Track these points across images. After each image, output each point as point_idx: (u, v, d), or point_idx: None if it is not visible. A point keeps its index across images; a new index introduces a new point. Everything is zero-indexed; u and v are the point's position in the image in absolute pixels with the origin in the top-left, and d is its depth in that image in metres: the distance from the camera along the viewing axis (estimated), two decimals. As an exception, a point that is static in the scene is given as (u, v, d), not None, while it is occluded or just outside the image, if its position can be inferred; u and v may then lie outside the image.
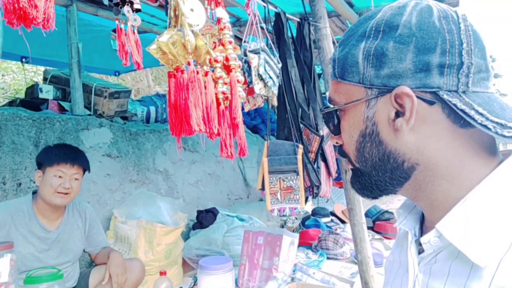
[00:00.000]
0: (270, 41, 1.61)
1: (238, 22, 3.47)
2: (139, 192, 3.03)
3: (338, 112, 0.61)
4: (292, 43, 1.86)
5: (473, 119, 0.50)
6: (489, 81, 0.54)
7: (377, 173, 0.58)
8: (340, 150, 0.65)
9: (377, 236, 3.63)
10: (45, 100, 3.08)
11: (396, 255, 0.68)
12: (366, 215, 4.09)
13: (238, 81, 1.21)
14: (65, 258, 2.07)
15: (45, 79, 3.40)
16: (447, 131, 0.53)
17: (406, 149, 0.54)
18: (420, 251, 0.59)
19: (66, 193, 1.90)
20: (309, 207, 4.21)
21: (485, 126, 0.49)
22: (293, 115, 1.73)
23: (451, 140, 0.53)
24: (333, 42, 2.14)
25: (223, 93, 1.20)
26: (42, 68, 4.68)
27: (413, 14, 0.53)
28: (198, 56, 1.10)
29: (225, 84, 1.21)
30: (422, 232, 0.62)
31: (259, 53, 1.44)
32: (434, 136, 0.53)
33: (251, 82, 1.43)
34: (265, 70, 1.43)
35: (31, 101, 3.05)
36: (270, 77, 1.45)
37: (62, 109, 3.12)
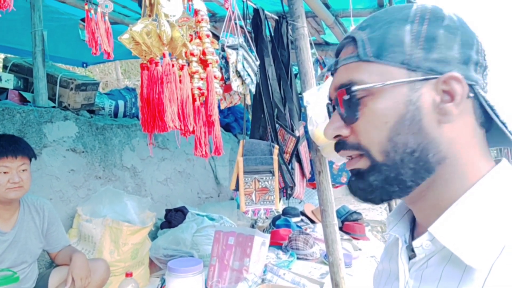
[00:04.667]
0: (248, 38, 1.57)
1: (213, 18, 3.40)
2: (105, 189, 2.91)
3: (363, 95, 0.54)
4: (269, 42, 1.82)
5: (498, 116, 0.52)
6: None
7: (404, 166, 0.53)
8: (342, 144, 0.58)
9: (345, 236, 3.67)
10: (5, 90, 2.89)
11: (386, 264, 0.67)
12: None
13: (215, 76, 1.15)
14: (23, 259, 1.95)
15: (5, 67, 3.19)
16: (471, 127, 0.53)
17: (442, 140, 0.52)
18: (411, 258, 0.58)
19: (19, 186, 1.78)
20: (279, 207, 4.20)
21: (504, 123, 0.51)
22: (269, 115, 1.69)
23: (472, 137, 0.53)
24: (310, 43, 2.12)
25: (199, 88, 1.14)
26: (2, 56, 4.41)
27: (451, 13, 0.54)
28: (173, 49, 1.04)
29: (201, 79, 1.15)
30: (413, 238, 0.61)
31: (237, 49, 1.39)
32: (463, 130, 0.53)
33: (228, 78, 1.38)
34: (243, 67, 1.38)
35: (-12, 90, 2.85)
36: (248, 75, 1.41)
37: (23, 100, 2.94)
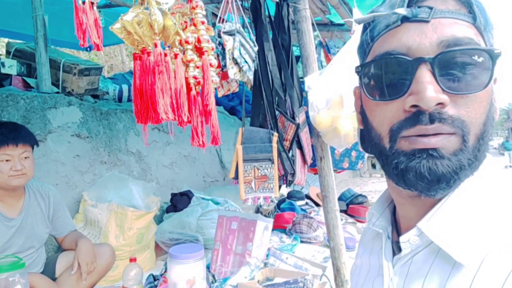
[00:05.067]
0: (246, 22, 1.53)
1: (210, 1, 3.33)
2: (110, 174, 2.93)
3: (479, 62, 0.47)
4: (269, 25, 1.78)
5: None
6: None
7: (478, 155, 0.49)
8: (438, 116, 0.47)
9: (350, 219, 3.68)
10: (8, 76, 2.89)
11: (365, 259, 0.65)
12: (340, 198, 4.13)
13: (211, 64, 1.13)
14: (30, 244, 1.99)
15: (8, 53, 3.19)
16: None
17: None
18: (395, 253, 0.56)
19: (22, 174, 1.80)
20: (284, 190, 4.22)
21: None
22: (268, 102, 1.67)
23: None
24: (312, 24, 2.07)
25: (195, 77, 1.12)
26: (6, 41, 4.40)
27: None
28: (166, 37, 1.02)
29: (197, 67, 1.13)
30: (398, 233, 0.59)
31: (234, 35, 1.36)
32: None
33: (225, 66, 1.35)
34: (240, 53, 1.35)
35: (-8, 76, 2.86)
36: (246, 61, 1.38)
37: (27, 86, 2.95)
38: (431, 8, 0.49)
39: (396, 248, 0.57)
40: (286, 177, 1.69)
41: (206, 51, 1.12)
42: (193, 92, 1.12)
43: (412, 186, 0.49)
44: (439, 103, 0.46)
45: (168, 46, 1.06)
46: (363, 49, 0.57)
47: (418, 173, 0.48)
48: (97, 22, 0.87)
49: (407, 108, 0.48)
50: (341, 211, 1.97)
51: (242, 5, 1.59)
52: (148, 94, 0.97)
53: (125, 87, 3.85)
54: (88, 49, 5.20)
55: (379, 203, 0.63)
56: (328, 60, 2.36)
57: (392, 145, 0.50)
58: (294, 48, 2.18)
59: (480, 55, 0.46)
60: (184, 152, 4.01)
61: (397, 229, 0.60)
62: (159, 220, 3.28)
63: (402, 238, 0.52)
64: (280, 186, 1.75)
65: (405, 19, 0.50)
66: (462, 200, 0.50)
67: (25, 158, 1.82)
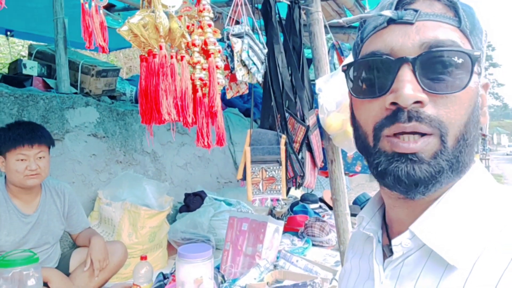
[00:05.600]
0: (256, 24, 1.53)
1: (230, 2, 3.35)
2: (124, 173, 2.99)
3: (459, 63, 0.47)
4: (280, 27, 1.78)
5: None
6: None
7: (460, 157, 0.49)
8: (416, 115, 0.47)
9: (364, 224, 3.63)
10: (29, 77, 2.98)
11: (355, 263, 0.64)
12: (355, 202, 4.09)
13: (217, 67, 1.14)
14: (46, 240, 2.04)
15: (30, 55, 3.30)
16: None
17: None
18: (385, 257, 0.57)
19: (37, 174, 1.84)
20: (298, 193, 4.20)
21: None
22: (278, 103, 1.67)
23: None
24: (325, 27, 2.06)
25: (201, 79, 1.13)
26: (28, 43, 4.54)
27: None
28: (172, 40, 1.03)
29: (204, 69, 1.15)
30: (389, 237, 0.59)
31: (242, 37, 1.37)
32: None
33: (233, 68, 1.37)
34: (248, 55, 1.36)
35: (14, 77, 2.95)
36: (254, 63, 1.38)
37: (47, 87, 3.04)
38: (416, 11, 0.49)
39: (387, 251, 0.57)
40: (296, 179, 1.68)
41: (212, 53, 1.14)
42: (199, 93, 1.13)
43: (391, 188, 0.50)
44: (417, 102, 0.47)
45: (175, 49, 1.08)
46: (355, 50, 0.59)
47: (396, 177, 0.48)
48: (103, 25, 0.89)
49: (387, 106, 0.49)
50: (352, 215, 1.95)
51: (253, 8, 1.60)
52: (152, 95, 0.99)
53: (142, 88, 3.91)
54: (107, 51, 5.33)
55: (369, 207, 0.63)
56: (341, 62, 2.34)
57: (376, 143, 0.51)
58: (306, 51, 2.17)
59: (459, 56, 0.47)
60: (199, 153, 4.05)
61: (387, 233, 0.60)
62: (172, 219, 3.32)
63: (394, 241, 0.53)
64: (289, 188, 1.74)
65: (391, 21, 0.51)
66: (453, 202, 0.50)
67: (40, 158, 1.87)
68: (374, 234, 0.59)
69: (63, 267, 2.14)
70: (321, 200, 4.14)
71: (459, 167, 0.49)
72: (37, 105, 2.69)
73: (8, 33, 3.76)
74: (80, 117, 2.93)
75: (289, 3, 1.83)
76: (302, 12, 1.93)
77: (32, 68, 2.99)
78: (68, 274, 2.09)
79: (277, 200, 1.65)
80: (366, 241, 0.62)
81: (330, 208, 4.01)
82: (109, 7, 4.02)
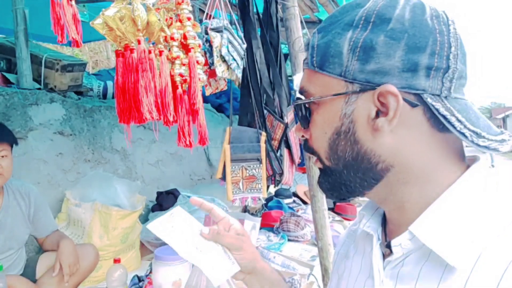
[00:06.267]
0: (234, 19, 1.49)
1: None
2: (94, 173, 2.87)
3: (310, 104, 0.56)
4: (257, 22, 1.75)
5: (453, 125, 0.49)
6: (465, 87, 0.53)
7: (349, 173, 0.55)
8: (305, 145, 0.61)
9: (337, 218, 3.68)
10: (-13, 71, 2.79)
11: (357, 260, 0.65)
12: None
13: (197, 62, 1.09)
14: (9, 245, 1.92)
15: (-14, 48, 3.08)
16: (425, 135, 0.52)
17: (382, 150, 0.52)
18: (385, 255, 0.57)
19: None
20: (272, 189, 4.20)
21: (463, 133, 0.49)
22: (256, 101, 1.64)
23: (428, 143, 0.52)
24: (301, 22, 2.05)
25: (181, 75, 1.08)
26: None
27: (406, 9, 0.50)
28: (150, 34, 0.98)
29: (183, 65, 1.09)
30: (386, 235, 0.61)
31: (221, 31, 1.32)
32: (412, 139, 0.52)
33: (212, 63, 1.32)
34: (228, 51, 1.32)
35: (-30, 71, 2.75)
36: (234, 59, 1.34)
37: (7, 82, 2.85)
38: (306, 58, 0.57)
39: (387, 249, 0.57)
40: (275, 177, 1.66)
41: (192, 47, 1.08)
42: (179, 90, 1.08)
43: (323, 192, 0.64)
44: (303, 135, 0.60)
45: (153, 43, 1.02)
46: None
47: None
48: (76, 17, 0.82)
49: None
50: (328, 209, 1.97)
51: (230, 2, 1.55)
52: (131, 92, 0.92)
53: (110, 84, 3.77)
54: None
55: (369, 204, 0.64)
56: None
57: None
58: (282, 46, 2.15)
59: (298, 99, 0.57)
60: (171, 150, 3.96)
61: (385, 231, 0.62)
62: (144, 219, 3.22)
63: (393, 242, 0.53)
64: (268, 186, 1.72)
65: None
66: (452, 202, 0.51)
67: (2, 157, 1.75)
68: (374, 232, 0.60)
69: (30, 273, 2.03)
70: (295, 194, 4.16)
71: (362, 179, 0.55)
72: (-3, 101, 2.52)
73: (-39, 24, 3.49)
74: (45, 114, 2.77)
75: (266, -3, 1.79)
76: (279, 7, 1.90)
77: (-11, 62, 2.79)
78: (34, 281, 1.98)
79: (257, 198, 1.63)
80: (366, 238, 0.63)
81: (304, 202, 4.03)
82: (73, -2, 3.84)
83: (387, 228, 0.61)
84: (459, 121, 0.49)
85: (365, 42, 0.50)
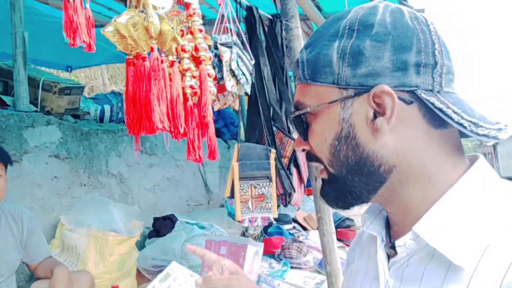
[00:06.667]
0: (243, 36, 1.47)
1: (203, 20, 3.31)
2: (90, 197, 2.77)
3: (308, 116, 0.58)
4: (264, 41, 1.73)
5: (450, 117, 0.50)
6: (454, 83, 0.55)
7: (353, 178, 0.55)
8: (309, 156, 0.62)
9: (339, 244, 3.59)
10: (-17, 93, 2.74)
11: (362, 263, 0.66)
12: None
13: (209, 75, 1.06)
14: None
15: (-16, 70, 3.05)
16: (422, 132, 0.53)
17: (384, 151, 0.53)
18: (390, 256, 0.58)
19: None
20: (277, 215, 4.11)
21: (461, 124, 0.49)
22: (265, 117, 1.60)
23: (426, 141, 0.53)
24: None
25: (192, 87, 1.04)
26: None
27: (386, 14, 0.53)
28: (162, 43, 0.94)
29: (194, 77, 1.06)
30: (390, 237, 0.61)
31: (231, 47, 1.30)
32: (411, 137, 0.53)
33: (222, 78, 1.29)
34: (238, 65, 1.29)
35: (-35, 93, 2.70)
36: (243, 74, 1.31)
37: (3, 104, 2.80)
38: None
39: (391, 250, 0.58)
40: (286, 196, 1.60)
41: (203, 60, 1.05)
42: (190, 102, 1.04)
43: (327, 203, 0.63)
44: (304, 149, 0.61)
45: (164, 54, 0.99)
46: None
47: (321, 195, 0.62)
48: (90, 20, 0.79)
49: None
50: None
51: (239, 18, 1.54)
52: (142, 102, 0.88)
53: (107, 107, 3.73)
54: (69, 69, 5.09)
55: (372, 207, 0.65)
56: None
57: None
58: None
59: (294, 113, 0.58)
60: (168, 175, 3.88)
61: (389, 232, 0.62)
62: (140, 246, 3.11)
63: (398, 242, 0.54)
64: (278, 206, 1.65)
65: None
66: (454, 202, 0.51)
67: None
68: (378, 234, 0.60)
69: (20, 303, 1.91)
70: (294, 220, 4.07)
71: (366, 183, 0.55)
72: (-8, 123, 2.45)
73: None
74: (41, 136, 2.71)
75: (271, 17, 1.79)
76: (283, 28, 1.90)
77: (-14, 84, 2.75)
78: (26, 311, 1.86)
79: (268, 219, 1.56)
80: (371, 240, 0.64)
81: (304, 228, 3.95)
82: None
83: (392, 231, 0.61)
84: (455, 112, 0.49)
85: (353, 48, 0.52)
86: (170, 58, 1.01)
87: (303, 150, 0.61)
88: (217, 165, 4.48)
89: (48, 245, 2.45)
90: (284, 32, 1.92)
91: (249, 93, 1.47)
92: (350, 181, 0.55)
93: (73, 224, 2.48)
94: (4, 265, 1.83)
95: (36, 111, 2.81)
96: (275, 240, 3.22)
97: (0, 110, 2.58)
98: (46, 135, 2.74)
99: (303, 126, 0.59)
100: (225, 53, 1.29)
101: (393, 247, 0.56)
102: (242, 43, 1.44)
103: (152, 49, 0.90)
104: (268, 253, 3.11)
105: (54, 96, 2.97)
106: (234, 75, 1.30)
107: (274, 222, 3.66)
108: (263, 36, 1.80)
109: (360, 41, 0.51)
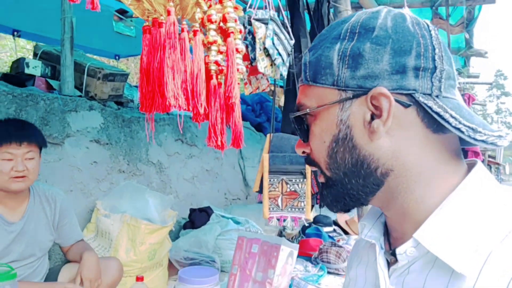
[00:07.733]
0: (282, 12, 1.32)
1: None
2: (126, 183, 2.77)
3: (308, 118, 0.59)
4: (309, 19, 1.57)
5: (448, 122, 0.50)
6: (455, 89, 0.54)
7: (350, 180, 0.55)
8: (308, 159, 0.62)
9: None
10: (32, 76, 2.82)
11: (361, 271, 0.65)
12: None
13: (237, 50, 0.93)
14: (31, 252, 1.82)
15: (35, 55, 3.15)
16: (420, 135, 0.53)
17: (381, 153, 0.53)
18: (390, 263, 0.57)
19: (23, 176, 1.64)
20: (311, 216, 3.93)
21: (459, 129, 0.49)
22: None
23: (424, 145, 0.53)
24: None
25: (217, 63, 0.92)
26: (34, 44, 4.43)
27: (387, 18, 0.53)
28: (184, 8, 0.82)
29: (220, 52, 0.93)
30: (390, 244, 0.60)
31: (267, 23, 1.16)
32: (409, 141, 0.52)
33: (254, 58, 1.15)
34: (273, 43, 1.14)
35: (15, 75, 2.79)
36: (279, 54, 1.16)
37: (50, 88, 2.87)
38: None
39: (391, 257, 0.57)
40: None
41: (232, 32, 0.92)
42: (214, 81, 0.91)
43: (326, 207, 0.62)
44: (304, 151, 0.61)
45: (186, 21, 0.87)
46: None
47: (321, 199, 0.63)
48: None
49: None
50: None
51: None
52: (155, 74, 0.77)
53: (150, 96, 3.74)
54: (117, 57, 5.20)
55: (370, 214, 0.64)
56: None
57: None
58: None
59: (295, 115, 0.59)
60: (207, 167, 3.83)
61: (389, 239, 0.61)
62: (175, 236, 3.07)
63: (398, 250, 0.53)
64: (312, 206, 1.49)
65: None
66: (455, 209, 0.51)
67: (29, 159, 1.67)
68: (377, 241, 0.60)
69: (50, 284, 1.91)
70: (335, 223, 3.86)
71: (363, 185, 0.55)
72: (37, 105, 2.50)
73: (15, 33, 3.63)
74: (83, 121, 2.74)
75: (317, -3, 1.63)
76: (330, 10, 1.72)
77: (35, 67, 2.83)
78: (54, 292, 1.85)
79: (299, 219, 1.40)
80: (370, 248, 0.63)
81: (345, 232, 3.73)
82: (122, 13, 3.91)
83: (391, 237, 0.60)
84: (453, 117, 0.49)
85: (353, 51, 0.52)
86: (195, 26, 0.89)
87: (303, 152, 0.61)
88: (257, 160, 4.37)
89: (83, 229, 2.47)
90: (331, 14, 1.74)
91: (285, 77, 1.31)
92: (347, 183, 0.56)
93: (108, 209, 2.48)
94: (36, 245, 1.84)
95: (80, 96, 2.85)
96: (312, 242, 3.04)
97: (46, 93, 2.64)
98: (88, 120, 2.77)
99: (304, 127, 0.60)
100: (259, 29, 1.14)
101: (393, 253, 0.55)
102: (282, 22, 1.29)
103: (169, 12, 0.78)
104: (305, 255, 2.94)
105: (98, 82, 2.99)
106: (268, 55, 1.15)
107: (313, 224, 3.49)
108: (307, 17, 1.63)
109: (360, 44, 0.52)
